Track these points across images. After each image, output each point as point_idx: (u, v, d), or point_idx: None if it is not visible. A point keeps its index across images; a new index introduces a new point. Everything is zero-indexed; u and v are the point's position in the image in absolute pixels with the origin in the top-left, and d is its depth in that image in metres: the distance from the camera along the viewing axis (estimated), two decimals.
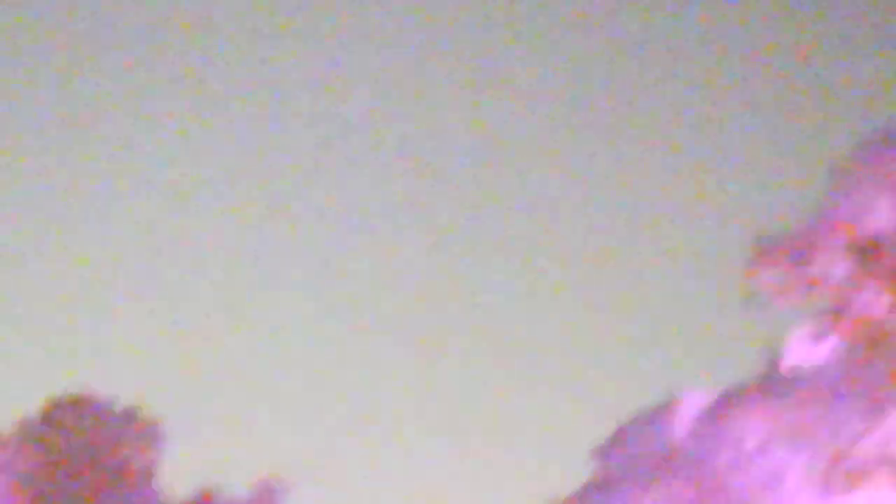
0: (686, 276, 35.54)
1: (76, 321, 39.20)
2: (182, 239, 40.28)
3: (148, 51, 39.98)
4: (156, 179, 39.25)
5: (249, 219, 39.73)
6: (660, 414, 31.84)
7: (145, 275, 40.29)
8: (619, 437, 32.41)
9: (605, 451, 32.55)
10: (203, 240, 40.19)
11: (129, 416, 36.50)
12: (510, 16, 40.62)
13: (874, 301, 25.31)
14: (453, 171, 40.07)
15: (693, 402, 31.36)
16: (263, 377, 39.51)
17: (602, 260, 37.38)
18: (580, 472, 32.59)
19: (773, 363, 28.22)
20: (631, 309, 36.73)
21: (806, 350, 27.77)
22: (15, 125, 39.04)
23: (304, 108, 40.91)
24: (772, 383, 28.01)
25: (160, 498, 36.41)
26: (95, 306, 39.65)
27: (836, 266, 26.37)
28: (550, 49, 40.57)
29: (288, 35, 40.60)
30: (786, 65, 39.41)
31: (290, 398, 39.00)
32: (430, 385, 37.80)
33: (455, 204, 39.46)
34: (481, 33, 40.75)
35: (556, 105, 40.81)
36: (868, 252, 25.36)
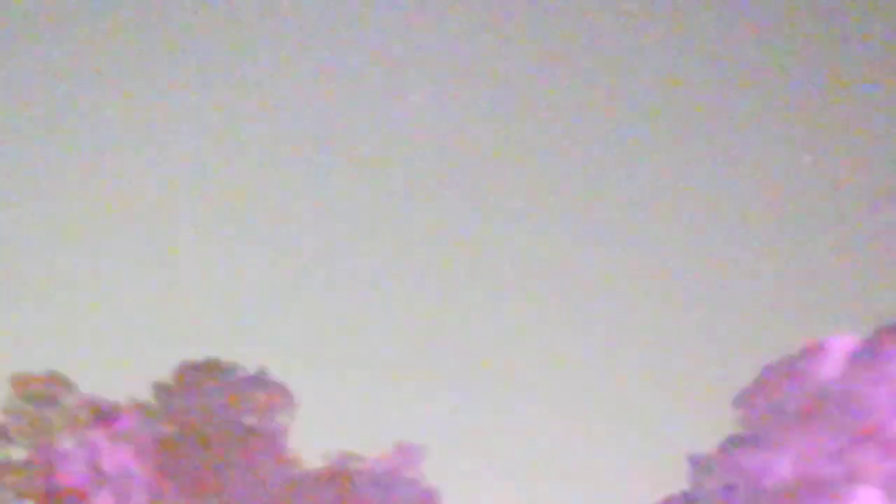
0: (830, 217, 32.25)
1: (203, 288, 37.09)
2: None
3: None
4: None
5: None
6: (807, 358, 28.61)
7: (265, 247, 38.11)
8: (764, 384, 29.24)
9: (749, 399, 29.40)
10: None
11: (259, 380, 34.13)
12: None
13: None
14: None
15: (841, 346, 28.08)
16: (392, 346, 36.95)
17: (742, 197, 34.19)
18: (720, 423, 29.58)
19: None
20: (775, 251, 33.41)
21: None
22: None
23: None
24: None
25: (291, 462, 33.93)
26: (219, 274, 37.53)
27: None
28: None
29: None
30: None
31: (424, 368, 36.38)
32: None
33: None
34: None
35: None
36: None
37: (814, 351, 28.36)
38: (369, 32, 38.29)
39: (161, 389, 33.47)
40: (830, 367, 27.85)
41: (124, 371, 34.04)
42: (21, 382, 32.31)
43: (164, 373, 33.45)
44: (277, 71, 38.36)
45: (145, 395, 33.05)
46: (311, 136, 38.65)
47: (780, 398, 28.50)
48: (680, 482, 30.56)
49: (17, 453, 31.72)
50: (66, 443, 31.79)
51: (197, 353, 33.91)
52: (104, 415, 32.17)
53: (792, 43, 35.86)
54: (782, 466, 27.70)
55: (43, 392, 32.29)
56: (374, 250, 38.10)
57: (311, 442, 33.73)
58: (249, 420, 33.74)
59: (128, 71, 38.05)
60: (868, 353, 26.43)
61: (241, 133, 38.43)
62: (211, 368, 34.02)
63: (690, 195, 36.30)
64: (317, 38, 38.39)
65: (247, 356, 33.77)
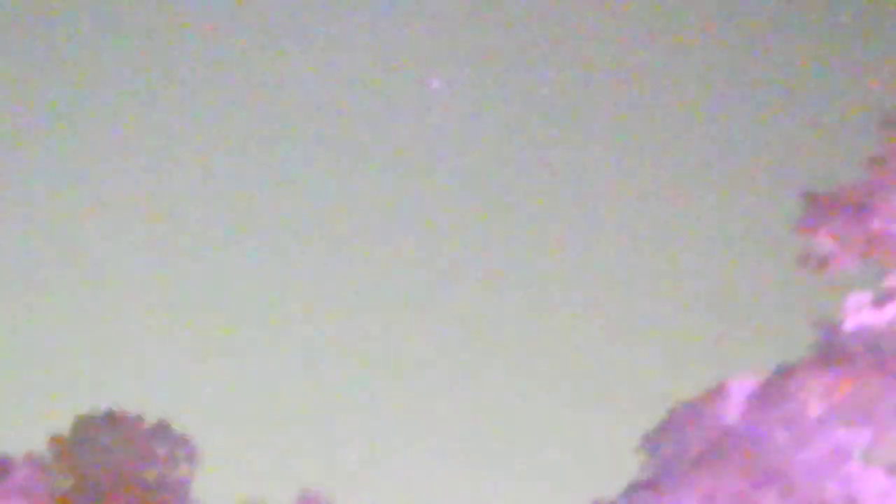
0: (725, 255, 32.11)
1: (100, 337, 36.16)
2: (204, 252, 37.23)
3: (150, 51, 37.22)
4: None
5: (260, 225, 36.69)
6: (708, 401, 28.43)
7: (166, 289, 37.18)
8: (668, 428, 29.03)
9: (654, 443, 29.15)
10: (226, 251, 37.14)
11: (161, 431, 33.23)
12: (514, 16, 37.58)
13: None
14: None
15: (742, 387, 27.95)
16: (295, 390, 36.21)
17: (640, 240, 33.96)
18: (625, 467, 29.25)
19: (830, 334, 24.63)
20: (670, 295, 33.27)
21: (866, 317, 24.21)
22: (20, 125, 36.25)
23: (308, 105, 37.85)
24: (829, 355, 24.41)
25: None
26: (118, 322, 36.59)
27: None
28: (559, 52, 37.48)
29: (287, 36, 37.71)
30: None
31: (323, 411, 35.66)
32: (459, 388, 34.49)
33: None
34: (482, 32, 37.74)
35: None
36: None
37: (716, 393, 28.23)
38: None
39: (57, 442, 32.49)
40: (732, 409, 27.71)
41: (19, 424, 33.07)
42: None
43: (61, 425, 32.59)
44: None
45: (40, 448, 32.13)
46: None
47: (683, 441, 28.32)
48: None
49: None
50: None
51: (95, 404, 33.07)
52: None
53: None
54: None
55: None
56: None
57: (213, 492, 32.94)
58: (150, 473, 32.85)
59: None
60: (768, 394, 26.29)
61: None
62: (109, 420, 33.09)
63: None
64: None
65: (147, 406, 32.98)
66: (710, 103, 36.47)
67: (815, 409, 24.71)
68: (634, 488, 29.39)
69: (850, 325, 24.17)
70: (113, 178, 37.44)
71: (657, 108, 36.35)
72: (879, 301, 23.63)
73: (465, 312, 35.16)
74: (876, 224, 22.93)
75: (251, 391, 36.06)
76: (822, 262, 23.16)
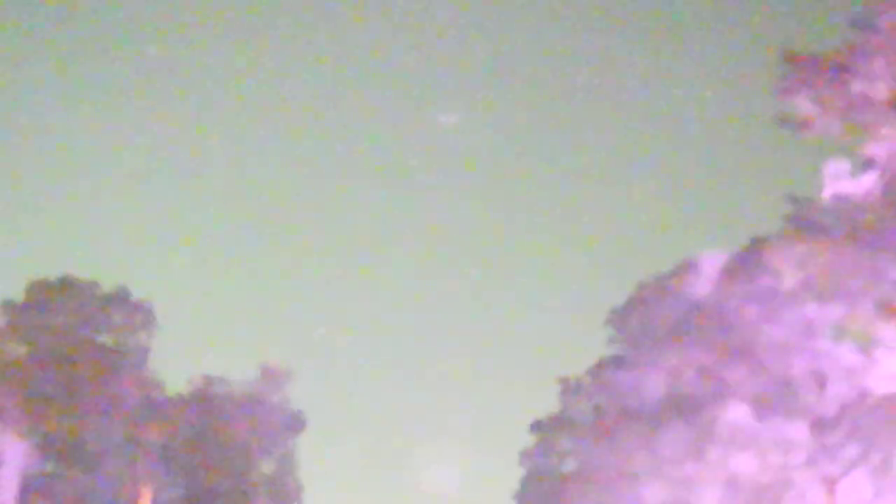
0: (697, 124, 30.80)
1: (54, 202, 34.85)
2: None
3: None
4: None
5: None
6: (677, 277, 27.32)
7: (127, 155, 35.84)
8: (635, 303, 27.94)
9: (621, 318, 28.10)
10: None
11: (117, 299, 31.97)
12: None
13: None
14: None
15: (712, 262, 26.81)
16: (259, 262, 35.04)
17: (611, 121, 32.67)
18: (592, 343, 28.28)
19: (804, 205, 23.31)
20: (639, 170, 31.99)
21: (843, 186, 22.87)
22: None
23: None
24: (803, 226, 23.13)
25: (155, 383, 31.94)
26: (76, 186, 35.29)
27: (878, 86, 21.31)
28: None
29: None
30: None
31: (287, 285, 34.52)
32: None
33: None
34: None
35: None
36: None
37: (685, 268, 27.15)
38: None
39: (9, 307, 31.30)
40: (702, 283, 26.65)
41: None
42: None
43: (15, 291, 31.42)
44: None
45: None
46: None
47: (652, 316, 27.31)
48: (551, 404, 29.52)
49: None
50: None
51: (54, 271, 31.89)
52: None
53: None
54: (653, 384, 26.49)
55: None
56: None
57: (174, 365, 31.97)
58: (105, 339, 31.70)
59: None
60: (738, 268, 25.12)
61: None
62: (64, 286, 31.85)
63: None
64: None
65: (109, 275, 31.87)
66: None
67: (787, 282, 23.46)
68: (601, 364, 28.45)
69: (827, 193, 22.82)
70: None
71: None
72: (854, 171, 22.29)
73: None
74: (857, 86, 21.45)
75: (223, 268, 34.91)
76: (802, 124, 21.70)
